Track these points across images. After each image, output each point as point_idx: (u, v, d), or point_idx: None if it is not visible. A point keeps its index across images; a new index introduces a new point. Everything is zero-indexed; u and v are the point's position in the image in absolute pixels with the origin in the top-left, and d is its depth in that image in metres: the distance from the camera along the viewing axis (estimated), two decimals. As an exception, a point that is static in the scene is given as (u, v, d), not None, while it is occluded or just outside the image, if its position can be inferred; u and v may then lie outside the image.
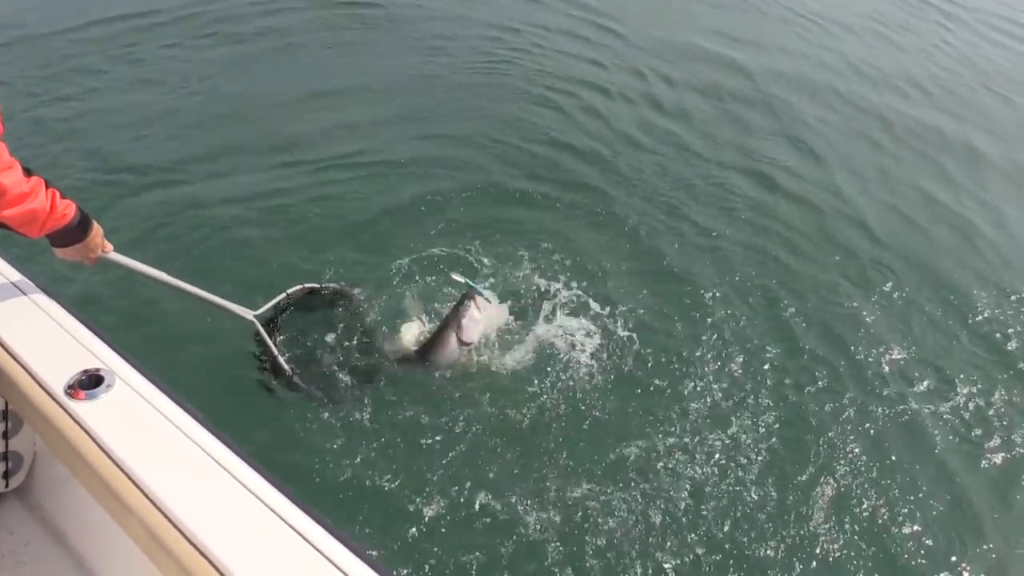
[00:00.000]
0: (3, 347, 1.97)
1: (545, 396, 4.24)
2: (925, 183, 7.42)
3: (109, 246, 2.62)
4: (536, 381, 4.31)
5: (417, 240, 5.30)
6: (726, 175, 6.83)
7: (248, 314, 3.77)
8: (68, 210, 2.27)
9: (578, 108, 7.68)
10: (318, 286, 4.37)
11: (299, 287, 4.24)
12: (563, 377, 4.37)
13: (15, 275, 2.22)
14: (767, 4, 11.87)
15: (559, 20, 9.89)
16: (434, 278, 4.93)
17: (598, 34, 9.68)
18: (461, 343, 4.17)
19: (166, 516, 1.59)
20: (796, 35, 10.94)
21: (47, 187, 2.17)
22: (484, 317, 4.20)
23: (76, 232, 2.35)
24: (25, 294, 2.15)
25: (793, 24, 11.25)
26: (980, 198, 7.36)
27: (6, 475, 2.34)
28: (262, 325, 3.86)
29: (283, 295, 4.15)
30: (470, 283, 4.18)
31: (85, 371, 1.88)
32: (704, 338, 4.85)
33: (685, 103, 8.17)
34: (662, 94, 8.28)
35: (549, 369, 4.41)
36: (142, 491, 1.64)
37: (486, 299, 4.18)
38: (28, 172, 2.10)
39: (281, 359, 3.92)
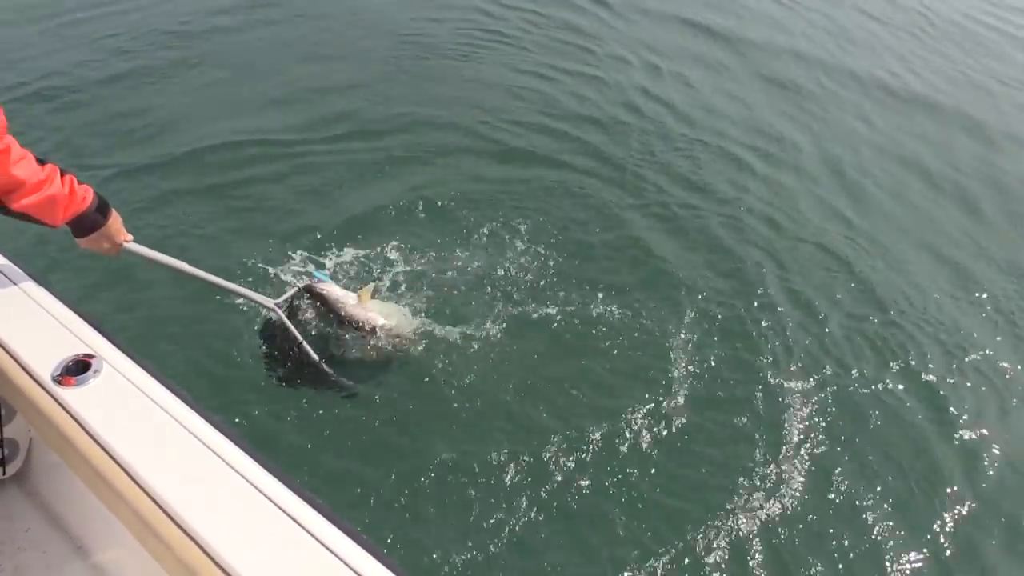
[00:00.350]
0: None
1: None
2: (923, 159, 7.40)
3: (128, 236, 2.62)
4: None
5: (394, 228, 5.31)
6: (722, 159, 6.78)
7: (269, 302, 3.88)
8: (87, 194, 2.29)
9: (566, 94, 7.63)
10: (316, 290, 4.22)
11: (308, 284, 4.19)
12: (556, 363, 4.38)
13: (1, 261, 2.20)
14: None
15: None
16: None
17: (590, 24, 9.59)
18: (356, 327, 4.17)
19: (154, 500, 1.59)
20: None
21: (62, 174, 2.18)
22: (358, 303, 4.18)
23: (96, 216, 2.35)
24: (13, 281, 2.13)
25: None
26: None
27: (3, 462, 2.34)
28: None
29: (296, 288, 4.17)
30: (316, 274, 4.30)
31: (72, 357, 1.87)
32: (680, 317, 4.87)
33: (675, 86, 8.10)
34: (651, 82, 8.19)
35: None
36: (130, 476, 1.64)
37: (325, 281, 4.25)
38: (41, 161, 2.11)
39: (307, 346, 3.97)
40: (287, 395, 4.02)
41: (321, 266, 4.63)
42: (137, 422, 1.74)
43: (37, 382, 1.83)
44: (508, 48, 8.58)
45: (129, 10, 8.44)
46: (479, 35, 8.78)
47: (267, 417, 3.88)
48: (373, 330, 4.14)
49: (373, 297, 4.28)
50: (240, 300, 4.10)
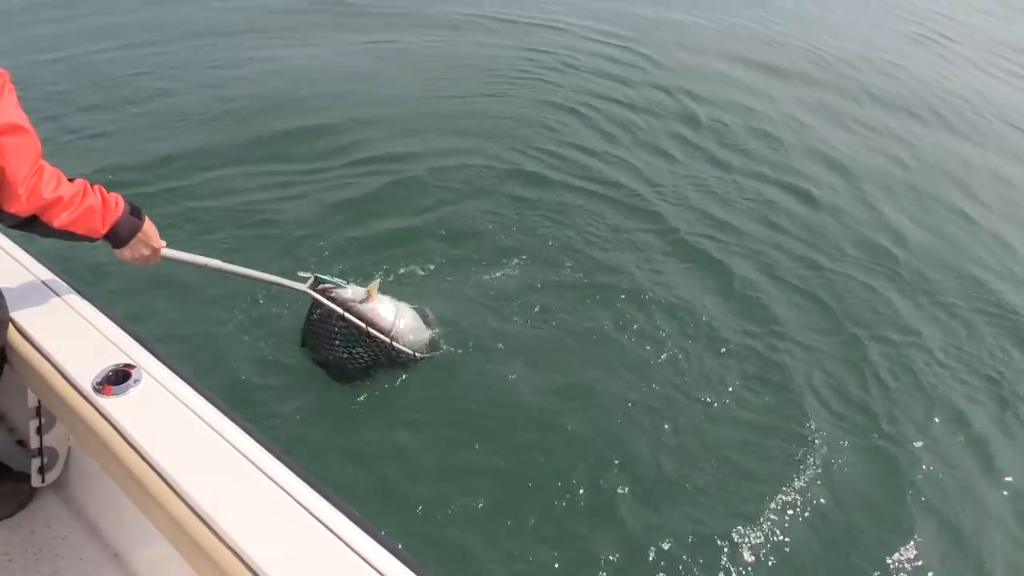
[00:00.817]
0: (33, 345, 2.01)
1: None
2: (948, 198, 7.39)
3: (163, 242, 2.57)
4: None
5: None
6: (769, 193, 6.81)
7: (302, 286, 3.88)
8: (118, 200, 2.28)
9: (603, 121, 7.78)
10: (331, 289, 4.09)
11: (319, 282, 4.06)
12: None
13: (45, 274, 2.26)
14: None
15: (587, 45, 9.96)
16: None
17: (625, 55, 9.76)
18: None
19: (192, 509, 1.61)
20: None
21: (91, 185, 2.20)
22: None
23: (134, 220, 2.32)
24: (55, 292, 2.19)
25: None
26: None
27: (42, 470, 2.39)
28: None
29: (314, 277, 4.05)
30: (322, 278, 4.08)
31: (113, 367, 1.91)
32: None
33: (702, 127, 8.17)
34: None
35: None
36: (169, 485, 1.66)
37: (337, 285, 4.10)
38: (70, 179, 2.13)
39: (352, 317, 3.93)
40: (320, 401, 4.05)
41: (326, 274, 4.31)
42: (175, 431, 1.77)
43: (78, 391, 1.88)
44: (544, 85, 8.86)
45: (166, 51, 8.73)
46: (516, 73, 9.10)
47: (298, 422, 3.91)
48: (389, 329, 4.07)
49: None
50: (276, 306, 4.21)
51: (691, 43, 11.20)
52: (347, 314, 3.95)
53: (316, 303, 4.01)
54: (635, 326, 4.86)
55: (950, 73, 11.59)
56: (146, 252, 2.43)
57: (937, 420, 4.57)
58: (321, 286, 4.02)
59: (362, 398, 4.08)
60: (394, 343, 4.08)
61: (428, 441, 3.93)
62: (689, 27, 12.14)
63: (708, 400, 4.41)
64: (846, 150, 8.06)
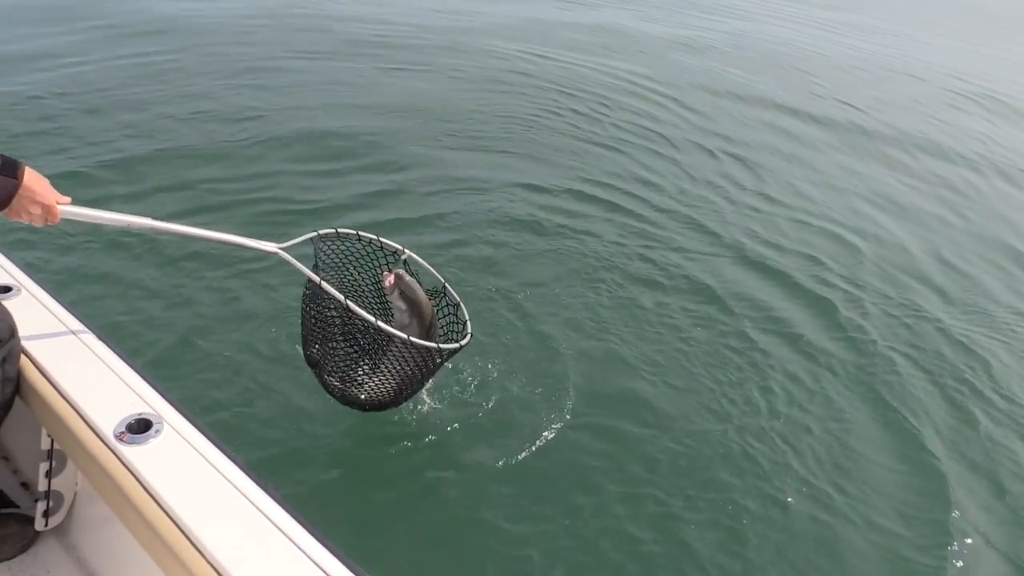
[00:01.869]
0: (56, 389, 2.05)
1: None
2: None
3: (65, 199, 2.29)
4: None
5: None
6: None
7: (270, 247, 2.95)
8: None
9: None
10: (354, 232, 3.46)
11: (330, 230, 3.38)
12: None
13: (74, 323, 2.32)
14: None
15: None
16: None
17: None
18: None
19: (209, 562, 1.63)
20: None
21: None
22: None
23: (5, 180, 2.10)
24: (82, 341, 2.24)
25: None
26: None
27: (46, 514, 2.40)
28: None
29: (313, 233, 3.31)
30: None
31: (135, 415, 1.95)
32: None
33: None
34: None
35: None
36: (186, 535, 1.69)
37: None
38: None
39: (330, 288, 2.98)
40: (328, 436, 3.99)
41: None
42: (195, 483, 1.80)
43: (99, 436, 1.91)
44: (579, 119, 9.47)
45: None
46: (549, 110, 9.64)
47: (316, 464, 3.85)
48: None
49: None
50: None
51: (737, 92, 11.80)
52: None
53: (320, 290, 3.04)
54: (676, 365, 4.99)
55: (995, 130, 12.10)
56: (36, 211, 2.20)
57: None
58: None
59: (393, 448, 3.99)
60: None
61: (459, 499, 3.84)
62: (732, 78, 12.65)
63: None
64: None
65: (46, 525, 2.41)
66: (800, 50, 15.64)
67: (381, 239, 3.37)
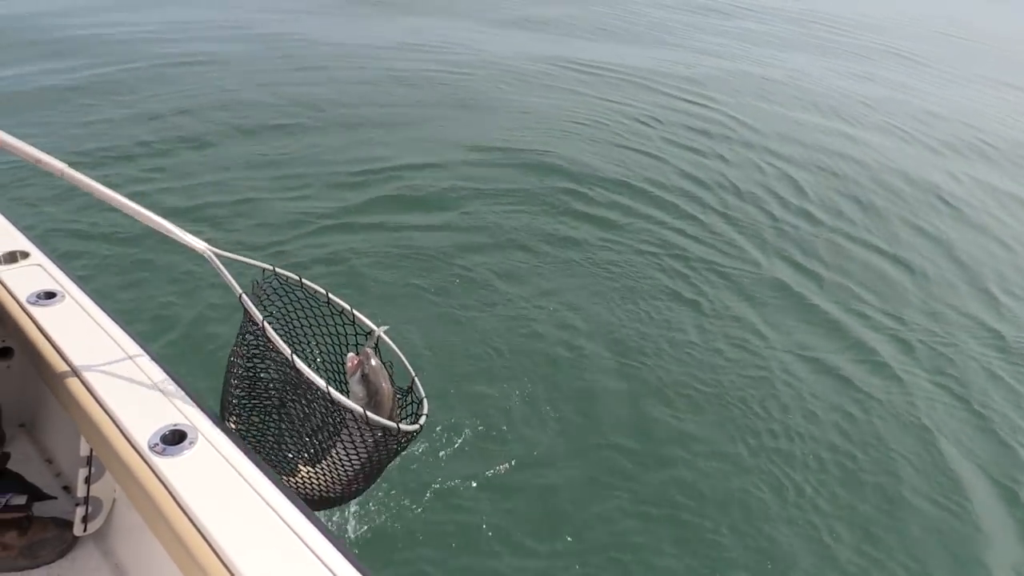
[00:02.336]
0: (95, 397, 2.06)
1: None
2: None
3: None
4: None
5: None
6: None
7: (199, 245, 2.32)
8: None
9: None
10: (322, 292, 2.54)
11: (294, 276, 2.50)
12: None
13: (117, 331, 2.33)
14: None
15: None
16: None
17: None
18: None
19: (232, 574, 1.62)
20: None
21: None
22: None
23: None
24: (124, 350, 2.25)
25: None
26: None
27: (85, 519, 2.42)
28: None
29: (267, 267, 2.48)
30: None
31: (170, 427, 1.94)
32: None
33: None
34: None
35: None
36: (214, 550, 1.67)
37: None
38: None
39: (274, 335, 2.15)
40: None
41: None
42: (226, 497, 1.79)
43: (134, 447, 1.91)
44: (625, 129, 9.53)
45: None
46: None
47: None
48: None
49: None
50: None
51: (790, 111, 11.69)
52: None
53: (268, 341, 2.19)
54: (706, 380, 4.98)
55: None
56: None
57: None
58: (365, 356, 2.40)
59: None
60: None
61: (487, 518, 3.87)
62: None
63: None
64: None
65: (84, 530, 2.43)
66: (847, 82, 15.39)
67: (355, 311, 2.51)
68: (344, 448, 2.28)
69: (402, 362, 2.43)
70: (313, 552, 1.68)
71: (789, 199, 8.13)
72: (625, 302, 5.66)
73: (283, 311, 2.58)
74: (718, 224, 7.24)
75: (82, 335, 2.31)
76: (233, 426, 2.45)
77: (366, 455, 2.28)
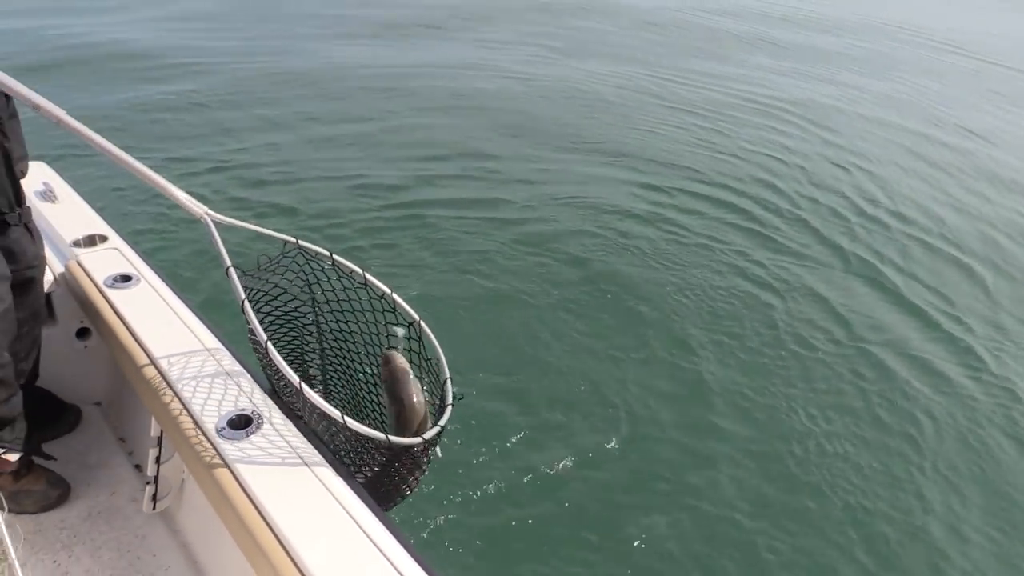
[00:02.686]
0: (165, 380, 2.11)
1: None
2: None
3: None
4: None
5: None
6: None
7: (197, 208, 2.17)
8: None
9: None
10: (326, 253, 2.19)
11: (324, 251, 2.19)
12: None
13: (188, 316, 2.39)
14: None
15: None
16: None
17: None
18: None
19: (295, 562, 1.64)
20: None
21: None
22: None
23: None
24: (193, 332, 2.31)
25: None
26: None
27: (154, 498, 2.48)
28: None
29: (268, 230, 2.23)
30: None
31: (237, 412, 1.98)
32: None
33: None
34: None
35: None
36: (275, 534, 1.70)
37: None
38: None
39: (251, 313, 1.94)
40: None
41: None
42: (288, 482, 1.81)
43: (201, 430, 1.95)
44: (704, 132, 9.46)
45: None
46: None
47: None
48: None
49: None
50: None
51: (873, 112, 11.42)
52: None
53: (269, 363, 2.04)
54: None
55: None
56: None
57: None
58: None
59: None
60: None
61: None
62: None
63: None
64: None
65: (154, 509, 2.49)
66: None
67: (395, 295, 2.12)
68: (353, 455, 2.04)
69: (438, 359, 2.06)
70: (369, 538, 1.69)
71: (871, 200, 7.93)
72: (698, 298, 5.60)
73: (307, 291, 2.26)
74: (793, 225, 7.11)
75: (155, 318, 2.37)
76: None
77: (379, 469, 2.00)
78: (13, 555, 1.85)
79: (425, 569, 1.65)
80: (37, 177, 3.16)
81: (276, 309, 2.25)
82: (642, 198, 7.23)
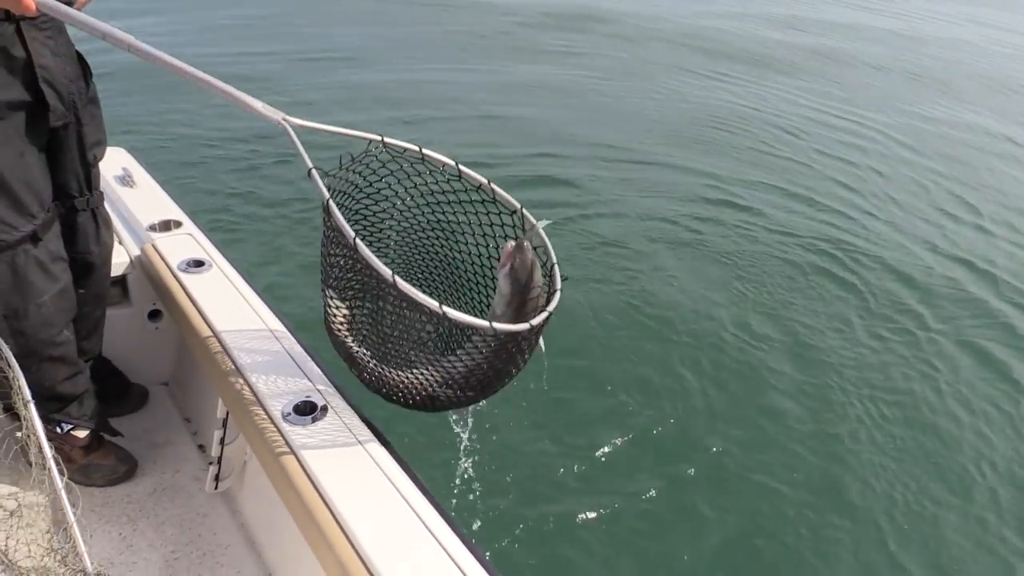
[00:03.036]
0: (234, 363, 2.16)
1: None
2: None
3: None
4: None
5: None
6: None
7: (274, 114, 1.97)
8: None
9: None
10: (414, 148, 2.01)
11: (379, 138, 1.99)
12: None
13: (257, 302, 2.45)
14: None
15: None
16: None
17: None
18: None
19: (354, 548, 1.66)
20: None
21: None
22: None
23: None
24: (261, 318, 2.36)
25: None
26: None
27: (217, 478, 2.55)
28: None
29: (351, 131, 1.98)
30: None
31: (303, 398, 2.02)
32: None
33: None
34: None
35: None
36: (337, 520, 1.72)
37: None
38: None
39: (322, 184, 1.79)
40: None
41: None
42: (351, 470, 1.84)
43: (267, 413, 2.00)
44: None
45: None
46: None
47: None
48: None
49: None
50: None
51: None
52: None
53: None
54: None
55: None
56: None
57: None
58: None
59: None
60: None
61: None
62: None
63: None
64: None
65: (216, 488, 2.56)
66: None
67: (495, 187, 2.05)
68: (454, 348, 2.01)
69: (545, 245, 1.98)
70: (427, 527, 1.71)
71: (958, 204, 7.81)
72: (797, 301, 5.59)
73: (396, 190, 2.13)
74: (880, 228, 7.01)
75: (226, 303, 2.43)
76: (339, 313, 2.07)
77: (481, 357, 1.90)
78: (72, 517, 1.92)
79: (486, 567, 1.66)
80: (117, 162, 3.27)
81: (356, 213, 2.11)
82: (703, 195, 7.19)
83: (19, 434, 2.15)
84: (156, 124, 7.29)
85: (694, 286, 5.57)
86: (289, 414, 1.98)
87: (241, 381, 2.11)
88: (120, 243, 2.79)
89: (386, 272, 1.65)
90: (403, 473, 1.86)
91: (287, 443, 1.91)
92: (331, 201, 1.76)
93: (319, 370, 2.16)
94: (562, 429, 4.06)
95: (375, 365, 1.97)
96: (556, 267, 1.95)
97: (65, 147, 2.28)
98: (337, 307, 2.03)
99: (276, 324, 2.35)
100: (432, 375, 1.94)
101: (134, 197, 3.07)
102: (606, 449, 3.98)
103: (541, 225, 1.96)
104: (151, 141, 6.73)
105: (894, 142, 9.69)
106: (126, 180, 3.16)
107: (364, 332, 2.00)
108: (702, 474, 3.92)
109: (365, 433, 1.96)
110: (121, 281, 2.82)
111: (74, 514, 1.91)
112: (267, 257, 5.15)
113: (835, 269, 6.05)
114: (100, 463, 2.61)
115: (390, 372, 1.96)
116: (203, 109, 7.71)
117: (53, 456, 1.89)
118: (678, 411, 4.32)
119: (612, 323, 5.03)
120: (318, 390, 2.07)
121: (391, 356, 1.95)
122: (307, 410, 1.99)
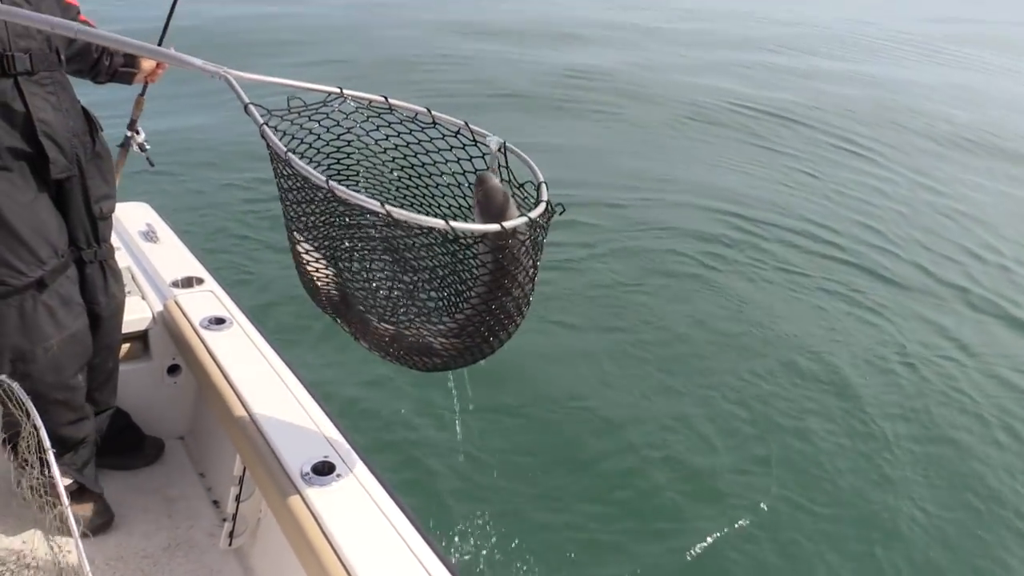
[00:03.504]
0: (254, 421, 2.19)
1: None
2: None
3: None
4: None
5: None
6: None
7: (216, 68, 1.77)
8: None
9: None
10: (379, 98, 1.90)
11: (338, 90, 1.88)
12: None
13: (277, 360, 2.48)
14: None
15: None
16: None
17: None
18: None
19: None
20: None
21: None
22: None
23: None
24: (280, 377, 2.39)
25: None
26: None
27: (231, 535, 2.55)
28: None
29: (306, 83, 1.88)
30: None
31: (321, 458, 2.04)
32: None
33: None
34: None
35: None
36: None
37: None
38: None
39: (270, 133, 1.65)
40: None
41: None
42: (367, 531, 1.86)
43: (286, 473, 2.01)
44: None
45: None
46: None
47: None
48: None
49: None
50: None
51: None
52: None
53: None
54: None
55: None
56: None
57: None
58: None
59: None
60: None
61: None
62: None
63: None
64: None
65: (230, 545, 2.56)
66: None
67: (470, 125, 1.88)
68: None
69: (530, 164, 1.82)
70: None
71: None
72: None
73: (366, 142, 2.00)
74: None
75: (246, 361, 2.47)
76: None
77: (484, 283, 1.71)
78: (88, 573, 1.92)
79: None
80: (140, 217, 3.34)
81: (321, 165, 1.98)
82: (718, 223, 7.43)
83: (23, 480, 2.16)
84: (180, 177, 7.39)
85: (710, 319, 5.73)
86: (308, 473, 2.00)
87: (261, 439, 2.14)
88: (143, 299, 2.85)
89: (373, 204, 1.52)
90: (419, 536, 1.87)
91: (306, 503, 1.93)
92: (265, 127, 1.65)
93: (337, 430, 2.19)
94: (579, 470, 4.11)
95: (364, 310, 1.85)
96: (544, 185, 1.74)
97: (70, 200, 2.35)
98: (308, 251, 1.91)
99: (295, 383, 2.38)
100: (425, 325, 1.79)
101: (157, 253, 3.13)
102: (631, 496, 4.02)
103: (494, 144, 1.81)
104: (174, 197, 6.80)
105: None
106: (150, 236, 3.22)
107: (355, 284, 1.87)
108: (703, 494, 4.01)
109: (382, 495, 1.98)
110: (143, 336, 2.86)
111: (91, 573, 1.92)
112: (288, 315, 5.18)
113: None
114: (78, 514, 2.61)
115: (380, 324, 1.82)
116: (227, 160, 7.85)
117: (74, 515, 1.90)
118: (679, 436, 4.41)
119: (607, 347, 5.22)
120: (335, 451, 2.09)
121: (379, 305, 1.83)
122: (326, 470, 2.02)
